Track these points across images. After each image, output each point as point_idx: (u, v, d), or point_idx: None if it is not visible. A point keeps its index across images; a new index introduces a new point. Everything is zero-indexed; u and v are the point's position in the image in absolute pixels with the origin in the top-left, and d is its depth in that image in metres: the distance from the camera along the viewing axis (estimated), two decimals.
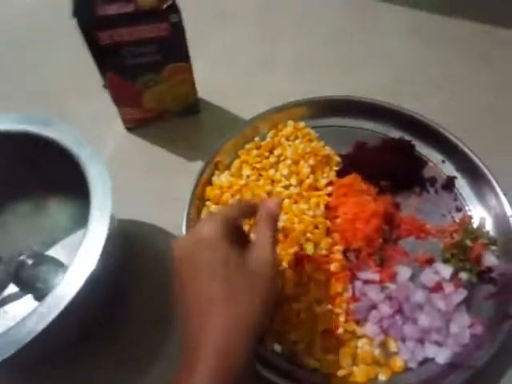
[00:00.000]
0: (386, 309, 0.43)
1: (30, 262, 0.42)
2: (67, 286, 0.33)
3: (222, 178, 0.51)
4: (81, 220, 0.37)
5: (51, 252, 0.47)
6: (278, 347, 0.41)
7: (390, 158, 0.53)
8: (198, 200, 0.50)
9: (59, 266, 0.44)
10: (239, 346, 0.28)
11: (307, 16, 0.76)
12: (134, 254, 0.49)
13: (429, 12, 0.74)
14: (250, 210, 0.37)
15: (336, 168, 0.54)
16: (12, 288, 0.45)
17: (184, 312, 0.31)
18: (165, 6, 0.44)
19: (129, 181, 0.54)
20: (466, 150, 0.52)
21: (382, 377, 0.40)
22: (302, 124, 0.57)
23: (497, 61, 0.67)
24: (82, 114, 0.62)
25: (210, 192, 0.50)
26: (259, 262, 0.32)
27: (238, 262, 0.31)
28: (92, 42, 0.44)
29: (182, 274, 0.32)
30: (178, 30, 0.47)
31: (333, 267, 0.45)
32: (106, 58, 0.47)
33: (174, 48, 0.49)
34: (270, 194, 0.50)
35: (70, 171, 0.38)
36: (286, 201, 0.49)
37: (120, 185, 0.53)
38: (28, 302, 0.44)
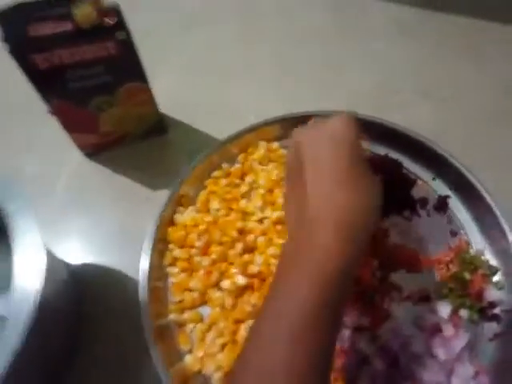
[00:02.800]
0: (379, 363, 0.38)
1: None
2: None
3: (185, 215, 0.45)
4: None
5: None
6: None
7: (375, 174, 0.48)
8: (162, 243, 0.44)
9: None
10: (362, 223, 0.29)
11: (284, 20, 0.69)
12: (91, 300, 0.43)
13: (418, 10, 0.68)
14: None
15: None
16: None
17: (300, 193, 0.31)
18: (109, 22, 0.37)
19: (87, 215, 0.49)
20: (459, 165, 0.46)
21: None
22: (275, 145, 0.51)
23: (491, 62, 0.61)
24: (33, 143, 0.55)
25: (174, 233, 0.44)
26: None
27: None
28: (28, 67, 0.38)
29: (308, 154, 0.31)
30: (127, 48, 0.41)
31: None
32: (48, 83, 0.41)
33: (126, 67, 0.43)
34: (242, 231, 0.44)
35: None
36: (261, 239, 0.43)
37: (78, 221, 0.48)
38: None
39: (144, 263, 0.41)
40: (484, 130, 0.54)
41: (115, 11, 0.38)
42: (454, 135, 0.50)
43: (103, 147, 0.52)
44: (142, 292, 0.40)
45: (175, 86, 0.59)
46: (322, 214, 0.29)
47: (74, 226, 0.48)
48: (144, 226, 0.43)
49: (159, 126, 0.54)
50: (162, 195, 0.45)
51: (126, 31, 0.39)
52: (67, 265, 0.45)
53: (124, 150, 0.53)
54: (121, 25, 0.39)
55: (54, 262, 0.40)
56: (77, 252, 0.46)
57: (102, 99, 0.46)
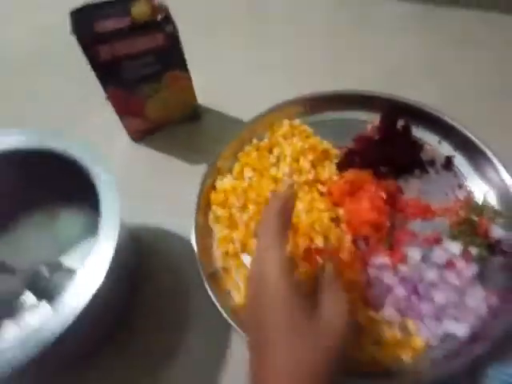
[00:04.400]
0: (401, 291, 0.44)
1: (45, 271, 0.43)
2: (77, 296, 0.34)
3: (225, 182, 0.52)
4: (92, 228, 0.38)
5: (66, 261, 0.48)
6: None
7: (388, 145, 0.54)
8: (204, 205, 0.51)
9: (74, 274, 0.45)
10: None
11: (296, 16, 0.78)
12: (146, 258, 0.50)
13: (418, 1, 0.76)
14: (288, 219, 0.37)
15: (336, 161, 0.54)
16: (29, 296, 0.45)
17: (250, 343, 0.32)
18: (159, 17, 0.45)
19: (138, 189, 0.55)
20: (461, 128, 0.53)
21: (406, 357, 0.40)
22: (297, 122, 0.58)
23: (487, 47, 0.68)
24: (88, 128, 0.63)
25: (215, 197, 0.51)
26: (329, 314, 0.32)
27: (305, 308, 0.31)
28: (92, 57, 0.46)
29: (252, 312, 0.32)
30: (174, 40, 0.49)
31: (343, 257, 0.46)
32: (107, 71, 0.49)
33: (171, 57, 0.51)
34: (274, 191, 0.51)
35: (79, 182, 0.39)
36: None
37: (129, 193, 0.54)
38: (44, 310, 0.44)
39: (194, 223, 0.48)
40: (482, 104, 0.61)
41: (164, 8, 0.46)
42: (458, 109, 0.56)
43: (148, 132, 0.60)
44: (195, 246, 0.47)
45: (206, 80, 0.65)
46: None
47: (128, 195, 0.54)
48: (189, 195, 0.50)
49: (195, 113, 0.62)
50: (202, 169, 0.52)
51: (173, 25, 0.47)
52: (127, 226, 0.51)
53: (164, 134, 0.61)
54: (169, 19, 0.46)
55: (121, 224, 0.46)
56: (134, 217, 0.51)
57: (151, 86, 0.54)
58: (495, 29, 0.71)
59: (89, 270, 0.35)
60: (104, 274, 0.34)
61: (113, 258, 0.35)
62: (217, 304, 0.42)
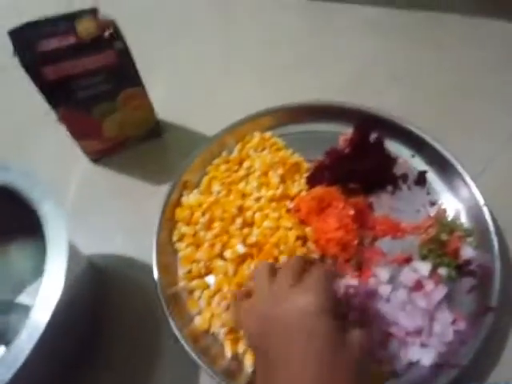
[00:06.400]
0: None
1: None
2: (31, 331, 0.32)
3: (190, 198, 0.50)
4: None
5: (20, 298, 0.46)
6: None
7: (360, 158, 0.53)
8: (169, 222, 0.49)
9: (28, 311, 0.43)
10: None
11: (261, 25, 0.75)
12: (108, 285, 0.48)
13: (380, 6, 0.74)
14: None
15: (306, 175, 0.53)
16: None
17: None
18: (106, 34, 0.43)
19: (98, 212, 0.54)
20: (434, 142, 0.52)
21: None
22: (268, 134, 0.56)
23: (449, 48, 0.68)
24: (43, 152, 0.60)
25: (180, 213, 0.49)
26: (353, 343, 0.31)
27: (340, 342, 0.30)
28: (38, 78, 0.43)
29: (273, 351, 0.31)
30: (125, 56, 0.46)
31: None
32: (56, 92, 0.46)
33: (124, 74, 0.48)
34: (240, 208, 0.49)
35: (28, 215, 0.37)
36: (258, 214, 0.48)
37: (89, 217, 0.53)
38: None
39: (155, 241, 0.46)
40: (447, 105, 0.60)
41: (112, 24, 0.43)
42: (426, 112, 0.55)
43: (107, 152, 0.57)
44: (155, 266, 0.45)
45: (167, 93, 0.63)
46: None
47: (88, 222, 0.53)
48: (154, 215, 0.48)
49: (156, 130, 0.59)
50: (166, 189, 0.50)
51: (122, 41, 0.45)
52: (84, 255, 0.48)
53: (126, 154, 0.58)
54: (118, 36, 0.44)
55: (75, 253, 0.43)
56: (93, 244, 0.50)
57: (105, 106, 0.51)
58: (456, 31, 0.70)
59: (38, 308, 0.33)
60: (51, 312, 0.32)
61: (62, 294, 0.33)
62: (176, 331, 0.41)
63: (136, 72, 0.49)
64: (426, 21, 0.72)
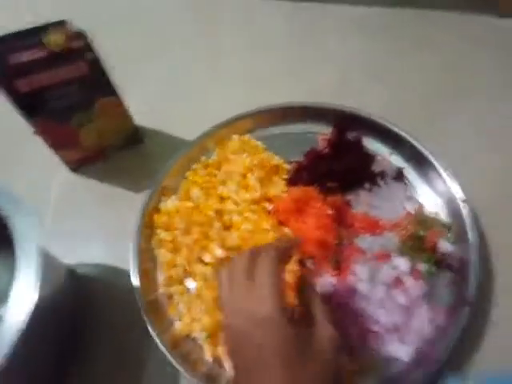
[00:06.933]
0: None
1: None
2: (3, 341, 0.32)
3: (169, 203, 0.51)
4: None
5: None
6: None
7: (339, 158, 0.53)
8: (148, 229, 0.49)
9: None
10: None
11: (240, 29, 0.76)
12: (90, 294, 0.48)
13: (365, 5, 0.75)
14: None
15: (286, 176, 0.53)
16: None
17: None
18: (76, 45, 0.43)
19: (79, 221, 0.54)
20: (412, 139, 0.52)
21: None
22: (247, 137, 0.57)
23: (431, 47, 0.68)
24: (23, 162, 0.60)
25: (159, 219, 0.50)
26: (322, 341, 0.31)
27: (302, 342, 0.30)
28: (11, 91, 0.44)
29: (242, 359, 0.31)
30: (97, 67, 0.47)
31: (288, 278, 0.44)
32: (30, 105, 0.46)
33: (97, 84, 0.49)
34: (220, 212, 0.49)
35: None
36: (236, 217, 0.48)
37: (70, 227, 0.53)
38: None
39: (134, 247, 0.47)
40: (429, 105, 0.60)
41: (82, 35, 0.44)
42: (403, 110, 0.55)
43: (86, 161, 0.58)
44: (134, 273, 0.45)
45: (147, 100, 0.64)
46: None
47: (68, 230, 0.53)
48: (132, 223, 0.48)
49: (135, 137, 0.59)
50: (145, 195, 0.51)
51: (93, 52, 0.45)
52: (64, 265, 0.48)
53: (106, 162, 0.58)
54: (88, 46, 0.44)
55: (52, 263, 0.44)
56: (73, 253, 0.50)
57: (81, 115, 0.51)
58: (439, 30, 0.70)
59: (9, 317, 0.33)
60: (25, 320, 0.32)
61: (37, 303, 0.33)
62: (155, 337, 0.41)
63: (109, 81, 0.49)
64: (408, 20, 0.72)
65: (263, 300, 0.30)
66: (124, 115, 0.55)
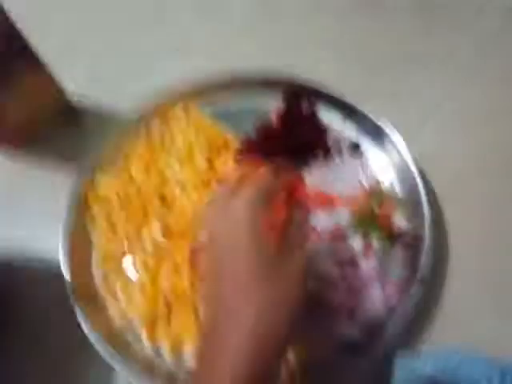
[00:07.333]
0: None
1: None
2: None
3: (105, 182, 0.46)
4: None
5: None
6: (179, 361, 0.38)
7: (292, 132, 0.50)
8: (82, 208, 0.45)
9: None
10: (276, 328, 0.27)
11: None
12: (18, 283, 0.43)
13: None
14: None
15: (235, 153, 0.49)
16: None
17: (212, 292, 0.29)
18: None
19: (8, 207, 0.48)
20: (366, 111, 0.49)
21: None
22: (193, 108, 0.52)
23: (386, 13, 0.64)
24: None
25: (94, 202, 0.45)
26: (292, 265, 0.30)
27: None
28: None
29: (216, 253, 0.30)
30: (16, 39, 0.41)
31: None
32: None
33: (20, 58, 0.43)
34: (160, 192, 0.45)
35: None
36: (179, 198, 0.45)
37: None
38: None
39: (64, 229, 0.42)
40: (384, 73, 0.57)
41: None
42: (357, 79, 0.52)
43: (15, 143, 0.51)
44: (63, 254, 0.41)
45: (83, 74, 0.58)
46: (231, 322, 0.27)
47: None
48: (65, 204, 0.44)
49: (70, 114, 0.53)
50: (79, 173, 0.46)
51: (10, 23, 0.40)
52: None
53: (37, 142, 0.51)
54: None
55: None
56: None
57: (4, 92, 0.45)
58: None
59: None
60: None
61: None
62: (84, 325, 0.37)
63: (33, 55, 0.44)
64: None
65: (240, 234, 0.29)
66: (54, 90, 0.49)
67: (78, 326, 0.38)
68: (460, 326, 0.40)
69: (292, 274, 0.29)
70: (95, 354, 0.36)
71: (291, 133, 0.50)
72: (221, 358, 0.26)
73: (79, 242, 0.43)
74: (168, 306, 0.39)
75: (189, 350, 0.38)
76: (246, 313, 0.27)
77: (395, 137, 0.47)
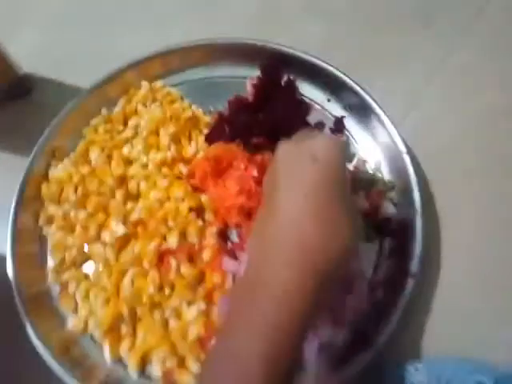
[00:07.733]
0: None
1: None
2: None
3: (59, 169, 0.41)
4: None
5: None
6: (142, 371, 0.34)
7: (268, 107, 0.45)
8: (34, 201, 0.40)
9: None
10: (331, 270, 0.26)
11: None
12: None
13: None
14: None
15: (206, 131, 0.44)
16: None
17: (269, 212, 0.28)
18: None
19: None
20: (353, 84, 0.44)
21: None
22: (159, 83, 0.47)
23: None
24: None
25: (47, 189, 0.40)
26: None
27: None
28: None
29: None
30: None
31: (205, 256, 0.37)
32: None
33: None
34: (122, 178, 0.40)
35: None
36: (144, 184, 0.40)
37: None
38: None
39: (11, 227, 0.37)
40: (373, 44, 0.51)
41: None
42: (343, 50, 0.47)
43: None
44: (11, 259, 0.36)
45: (35, 43, 0.52)
46: (288, 252, 0.25)
47: None
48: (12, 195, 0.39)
49: (20, 87, 0.48)
50: (30, 159, 0.41)
51: None
52: None
53: None
54: None
55: None
56: None
57: None
58: None
59: None
60: None
61: None
62: (34, 338, 0.33)
63: None
64: None
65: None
66: (3, 61, 0.43)
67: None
68: (453, 328, 0.36)
69: (353, 217, 0.28)
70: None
71: (266, 108, 0.45)
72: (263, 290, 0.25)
73: (32, 246, 0.39)
74: (133, 315, 0.35)
75: (156, 362, 0.34)
76: (310, 235, 0.26)
77: (383, 114, 0.42)
